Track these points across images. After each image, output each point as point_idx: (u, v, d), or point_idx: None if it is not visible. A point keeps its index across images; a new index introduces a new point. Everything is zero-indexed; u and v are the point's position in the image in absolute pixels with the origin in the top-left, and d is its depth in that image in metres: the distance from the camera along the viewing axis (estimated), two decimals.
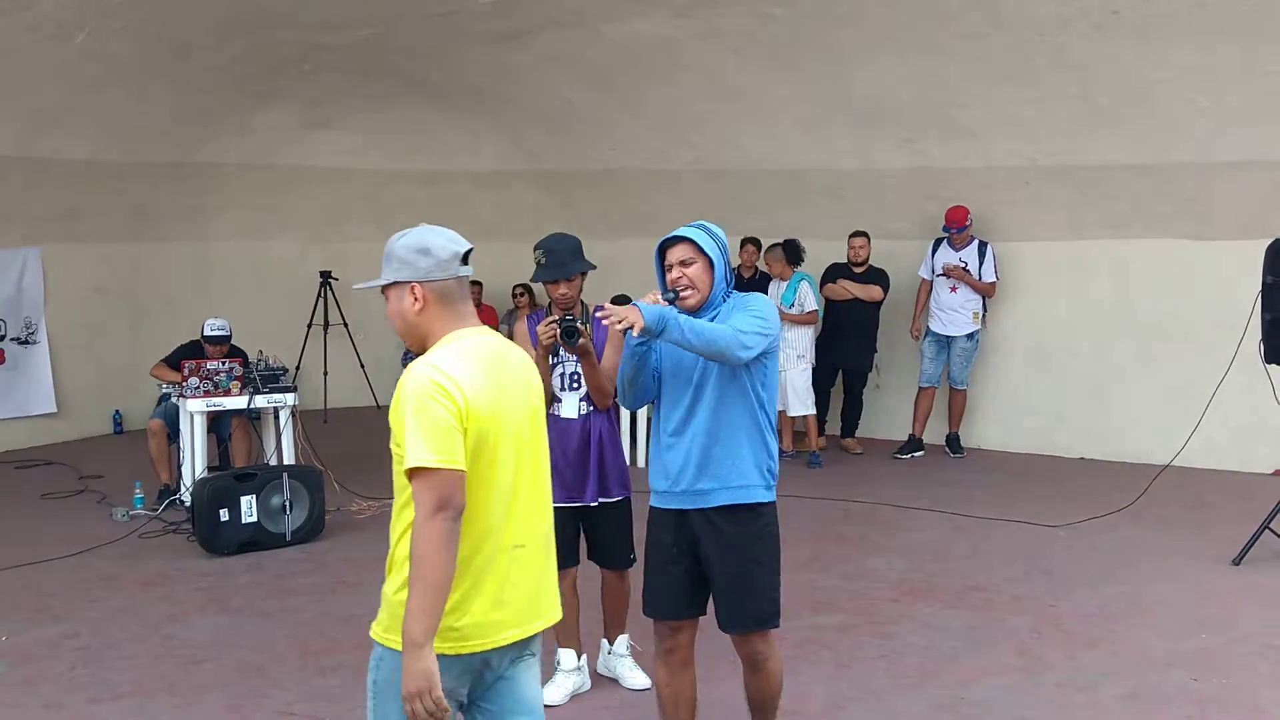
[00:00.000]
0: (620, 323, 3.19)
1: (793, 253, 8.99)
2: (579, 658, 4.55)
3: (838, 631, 5.21)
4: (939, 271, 9.08)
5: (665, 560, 3.55)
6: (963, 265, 8.98)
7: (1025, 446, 9.32)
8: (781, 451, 8.94)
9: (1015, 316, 9.34)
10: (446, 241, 2.64)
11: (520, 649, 2.68)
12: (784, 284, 9.01)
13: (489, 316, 11.43)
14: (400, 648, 2.45)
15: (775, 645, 3.66)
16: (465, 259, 2.66)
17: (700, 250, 3.41)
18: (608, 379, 4.29)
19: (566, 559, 4.41)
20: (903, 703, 4.44)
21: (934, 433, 9.37)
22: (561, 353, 4.28)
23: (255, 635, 5.18)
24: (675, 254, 3.44)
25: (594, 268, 4.32)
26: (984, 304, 9.10)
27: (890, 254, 9.31)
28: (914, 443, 9.26)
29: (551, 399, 4.36)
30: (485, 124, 10.94)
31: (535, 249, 4.23)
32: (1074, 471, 8.71)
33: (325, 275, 10.92)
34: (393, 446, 2.55)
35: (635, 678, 4.57)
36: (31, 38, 7.73)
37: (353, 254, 11.20)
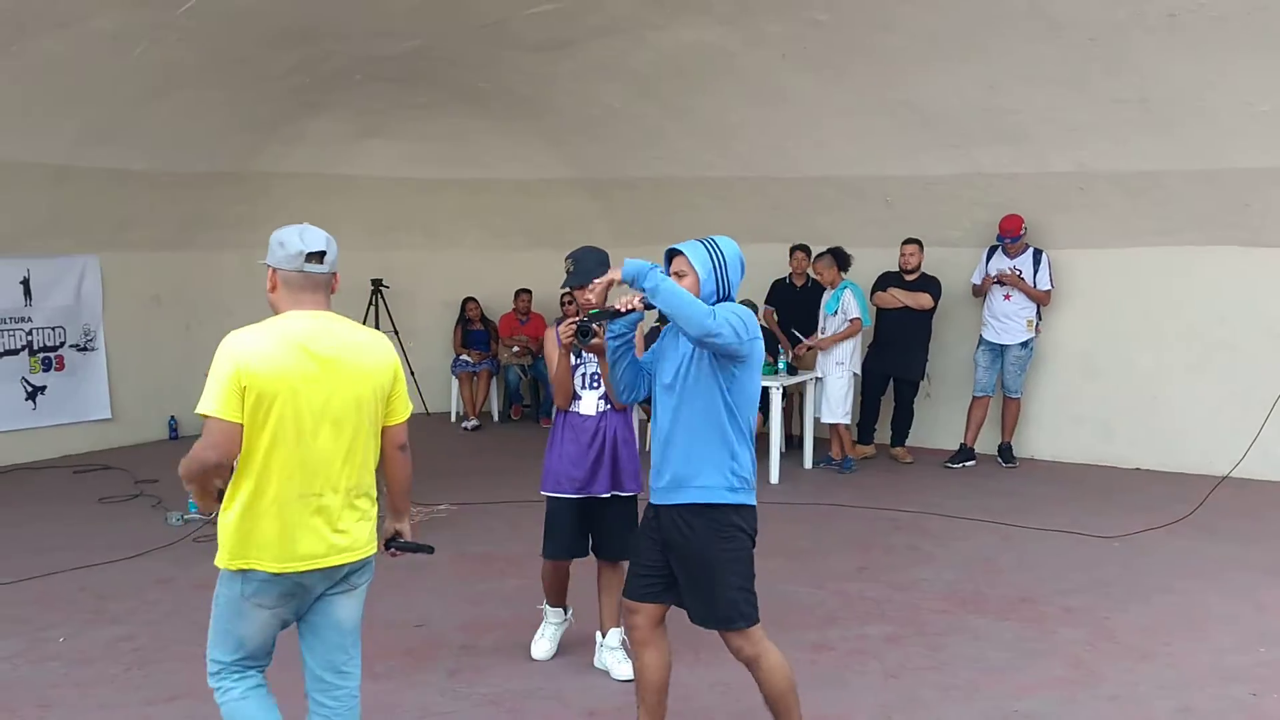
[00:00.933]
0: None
1: (841, 260, 8.94)
2: (566, 611, 4.93)
3: (886, 642, 5.17)
4: (993, 278, 8.99)
5: (642, 546, 3.77)
6: (1017, 271, 8.88)
7: (1078, 456, 9.19)
8: (829, 459, 8.97)
9: (1068, 324, 9.22)
10: (298, 240, 3.21)
11: (338, 580, 3.25)
12: (833, 292, 8.96)
13: (537, 324, 11.44)
14: (224, 566, 3.23)
15: (762, 642, 3.70)
16: (319, 259, 3.22)
17: (691, 264, 3.66)
18: None
19: (573, 550, 4.65)
20: (952, 714, 4.40)
21: (985, 442, 9.27)
22: (583, 353, 4.50)
23: None
24: (674, 265, 3.73)
25: None
26: (1038, 312, 9.00)
27: (942, 261, 9.23)
28: (965, 452, 9.16)
29: (572, 396, 4.59)
30: (532, 133, 10.99)
31: (566, 259, 4.49)
32: (1129, 482, 8.57)
33: (376, 283, 11.02)
34: None
35: (623, 669, 4.69)
36: (90, 49, 7.88)
37: (403, 262, 11.33)
